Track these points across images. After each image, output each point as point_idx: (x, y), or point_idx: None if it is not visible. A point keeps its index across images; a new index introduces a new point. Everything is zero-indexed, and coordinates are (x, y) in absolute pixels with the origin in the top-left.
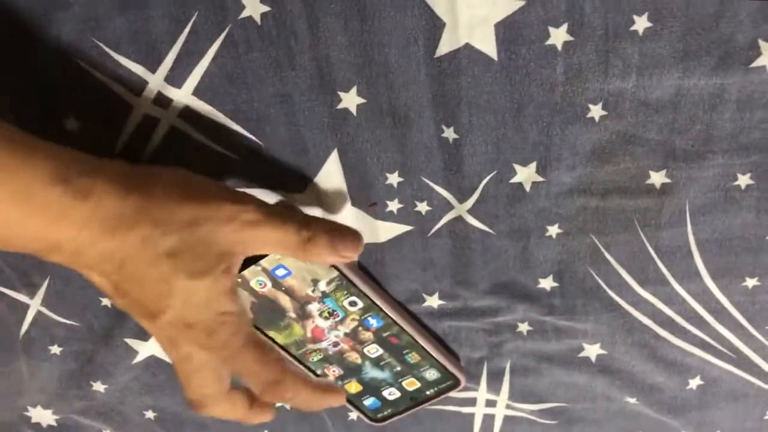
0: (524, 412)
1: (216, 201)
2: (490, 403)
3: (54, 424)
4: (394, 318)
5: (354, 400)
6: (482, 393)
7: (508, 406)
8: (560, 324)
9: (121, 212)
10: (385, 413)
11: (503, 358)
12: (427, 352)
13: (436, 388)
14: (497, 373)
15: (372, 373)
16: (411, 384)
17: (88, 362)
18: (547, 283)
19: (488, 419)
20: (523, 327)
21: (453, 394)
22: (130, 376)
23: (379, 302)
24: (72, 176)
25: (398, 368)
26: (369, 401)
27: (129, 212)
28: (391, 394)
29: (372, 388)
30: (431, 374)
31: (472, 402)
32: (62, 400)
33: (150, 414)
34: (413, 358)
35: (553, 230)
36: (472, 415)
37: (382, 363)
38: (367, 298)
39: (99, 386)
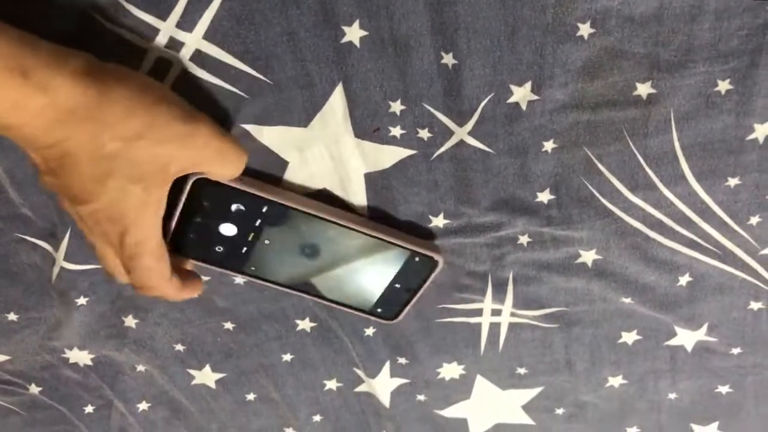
0: (527, 318)
1: (165, 118)
2: (496, 312)
3: (90, 363)
4: (325, 216)
5: (358, 310)
6: (488, 303)
7: (512, 314)
8: (558, 233)
9: (75, 108)
10: (392, 309)
11: (506, 270)
12: (379, 239)
13: (418, 273)
14: (501, 283)
15: (347, 279)
16: (389, 276)
17: (118, 299)
18: (544, 196)
19: (494, 327)
20: (524, 239)
21: (460, 306)
22: (159, 311)
23: (303, 207)
24: (32, 68)
25: (362, 262)
26: (366, 304)
27: (82, 109)
28: (379, 290)
29: (358, 291)
30: (401, 260)
31: (478, 312)
32: (96, 340)
33: (179, 347)
34: (367, 247)
35: (549, 145)
36: (479, 325)
37: (342, 260)
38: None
39: (130, 321)
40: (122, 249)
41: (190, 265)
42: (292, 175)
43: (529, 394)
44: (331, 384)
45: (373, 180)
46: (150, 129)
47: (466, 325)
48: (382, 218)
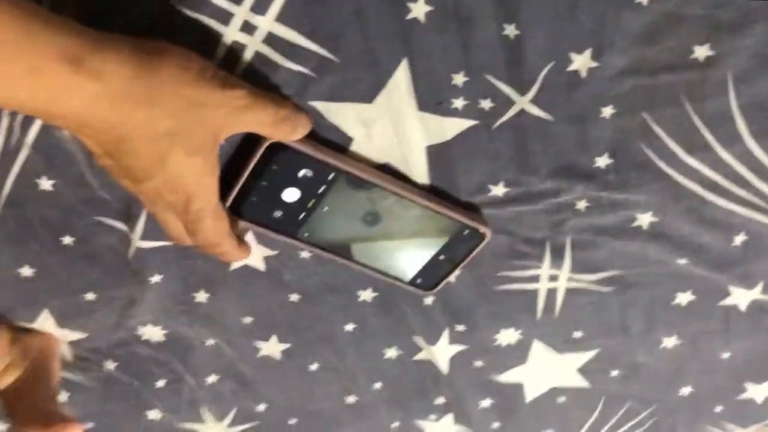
0: (584, 282)
1: (212, 86)
2: (553, 278)
3: (162, 339)
4: (389, 186)
5: (398, 280)
6: (545, 269)
7: (569, 279)
8: (615, 198)
9: (128, 92)
10: (431, 280)
11: (564, 235)
12: (437, 212)
13: (464, 245)
14: (559, 249)
15: (394, 249)
16: (435, 247)
17: (190, 276)
18: (602, 161)
19: (551, 293)
20: (581, 204)
21: (518, 273)
22: (228, 286)
23: (368, 176)
24: (84, 56)
25: (415, 234)
26: (407, 275)
27: (135, 93)
28: (422, 262)
29: (402, 261)
30: (450, 232)
31: (536, 279)
32: (169, 316)
33: (247, 319)
34: (423, 220)
35: (607, 111)
36: (536, 291)
37: (397, 231)
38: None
39: (201, 296)
40: (186, 215)
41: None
42: (356, 150)
43: (584, 357)
44: (391, 352)
45: (434, 152)
46: (199, 101)
47: (524, 291)
48: (436, 190)
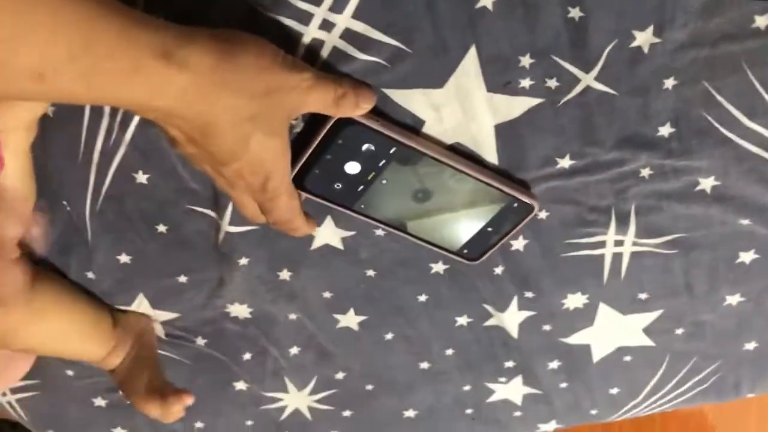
0: (649, 246)
1: (284, 70)
2: (618, 243)
3: (249, 315)
4: (445, 160)
5: (445, 250)
6: (611, 235)
7: (634, 243)
8: (678, 164)
9: (212, 82)
10: (478, 251)
11: (628, 202)
12: (489, 185)
13: (512, 218)
14: (624, 215)
15: (444, 221)
16: (485, 219)
17: (274, 256)
18: (665, 130)
19: (617, 258)
20: (645, 172)
21: (584, 240)
22: (309, 263)
23: (426, 150)
24: (173, 50)
25: (467, 206)
26: (455, 245)
27: (218, 81)
28: (470, 233)
29: (451, 233)
30: (500, 205)
31: (602, 245)
32: (255, 294)
33: (327, 294)
34: (474, 194)
35: (669, 83)
36: (602, 256)
37: (447, 206)
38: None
39: (285, 275)
40: (264, 194)
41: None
42: (427, 132)
43: (649, 317)
44: (462, 320)
45: (503, 130)
46: (275, 84)
47: (590, 257)
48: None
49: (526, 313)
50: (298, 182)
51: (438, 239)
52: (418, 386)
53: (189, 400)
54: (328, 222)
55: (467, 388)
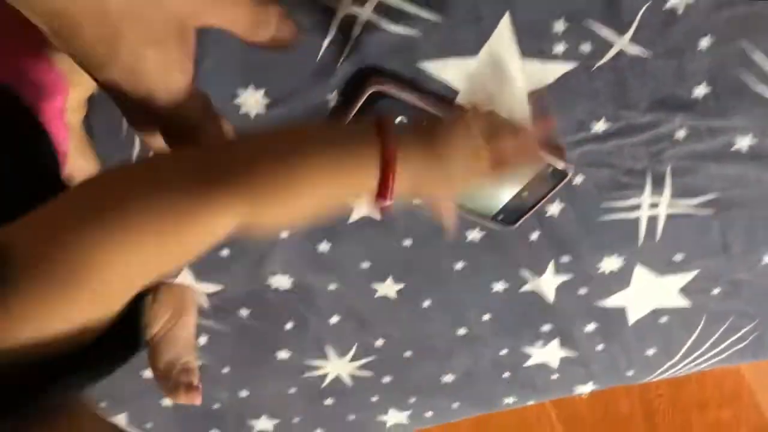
0: (684, 207)
1: None
2: (654, 205)
3: (289, 286)
4: None
5: (480, 217)
6: (646, 198)
7: (670, 205)
8: (714, 124)
9: None
10: (513, 216)
11: (663, 164)
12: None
13: (547, 183)
14: (659, 177)
15: (479, 188)
16: (519, 184)
17: (314, 229)
18: (700, 91)
19: (652, 220)
20: (681, 133)
21: (620, 203)
22: (347, 234)
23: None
24: None
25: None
26: (490, 212)
27: None
28: (505, 200)
29: (486, 201)
30: (535, 170)
31: (637, 207)
32: (295, 266)
33: (365, 264)
34: None
35: (704, 43)
36: (637, 219)
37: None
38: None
39: (324, 246)
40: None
41: None
42: (462, 101)
43: (685, 278)
44: (499, 286)
45: (537, 96)
46: None
47: (626, 220)
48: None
49: (563, 278)
50: None
51: (474, 207)
52: (455, 352)
53: (196, 401)
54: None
55: (504, 352)
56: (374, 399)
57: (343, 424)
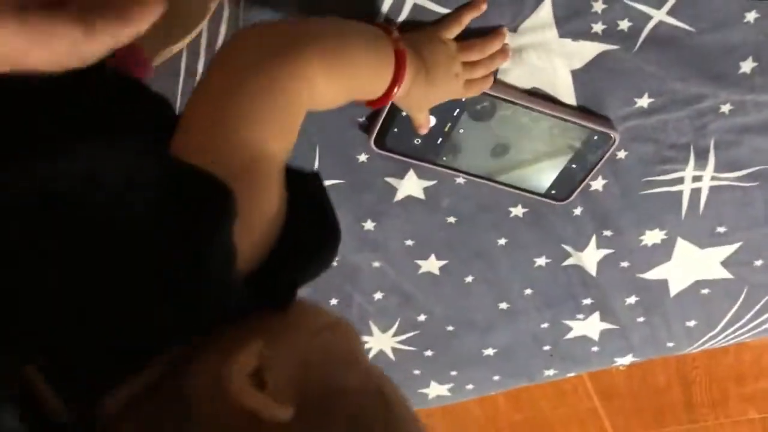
0: (728, 180)
1: None
2: (697, 179)
3: (335, 264)
4: (519, 101)
5: (532, 193)
6: (689, 171)
7: (713, 178)
8: (760, 98)
9: None
10: (565, 190)
11: (707, 138)
12: (565, 120)
13: (594, 151)
14: (702, 151)
15: (528, 165)
16: (566, 157)
17: (359, 208)
18: (747, 65)
19: (695, 193)
20: (725, 108)
21: (663, 177)
22: (392, 213)
23: (499, 94)
24: None
25: (547, 146)
26: (542, 188)
27: None
28: (554, 174)
29: (536, 177)
30: (580, 140)
31: (680, 181)
32: (341, 244)
33: (409, 242)
34: (552, 134)
35: (751, 16)
36: (680, 192)
37: (528, 153)
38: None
39: (369, 225)
40: None
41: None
42: (504, 77)
43: (727, 250)
44: (541, 261)
45: (579, 74)
46: None
47: (669, 193)
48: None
49: (605, 251)
50: (380, 144)
51: (524, 183)
52: (497, 326)
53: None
54: (411, 175)
55: (545, 325)
56: (416, 372)
57: None
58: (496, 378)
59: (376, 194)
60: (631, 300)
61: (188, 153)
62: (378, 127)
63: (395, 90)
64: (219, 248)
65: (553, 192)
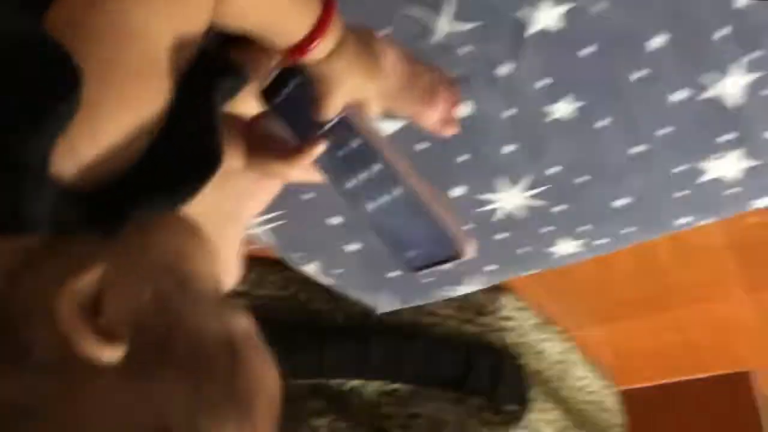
0: None
1: None
2: None
3: (466, 115)
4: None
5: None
6: None
7: None
8: None
9: None
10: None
11: None
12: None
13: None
14: None
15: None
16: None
17: (489, 50)
18: None
19: None
20: None
21: None
22: (525, 52)
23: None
24: None
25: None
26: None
27: None
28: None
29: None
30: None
31: None
32: (473, 92)
33: (544, 82)
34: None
35: None
36: None
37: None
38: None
39: (503, 70)
40: None
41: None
42: None
43: None
44: (677, 96)
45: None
46: None
47: None
48: None
49: (753, 75)
50: (268, 96)
51: None
52: (628, 173)
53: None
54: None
55: (678, 169)
56: (544, 230)
57: (514, 257)
58: (627, 230)
59: (507, 36)
60: None
61: (58, 23)
62: (273, 78)
63: (316, 42)
64: (44, 136)
65: None
